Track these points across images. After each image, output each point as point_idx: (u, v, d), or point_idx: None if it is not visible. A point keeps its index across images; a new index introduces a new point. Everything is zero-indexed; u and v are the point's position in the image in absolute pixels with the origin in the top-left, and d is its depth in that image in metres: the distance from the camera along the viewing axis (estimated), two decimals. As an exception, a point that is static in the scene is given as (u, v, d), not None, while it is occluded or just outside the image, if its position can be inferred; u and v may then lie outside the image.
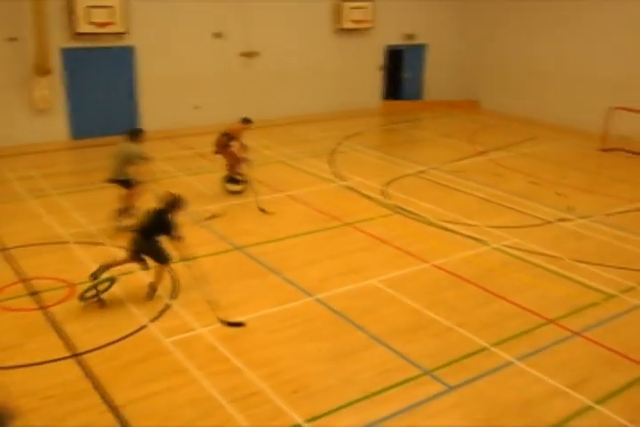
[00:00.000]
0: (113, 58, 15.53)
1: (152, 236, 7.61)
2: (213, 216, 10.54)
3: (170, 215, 7.59)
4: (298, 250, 9.48)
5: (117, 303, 7.72)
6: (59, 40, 14.69)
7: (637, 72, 16.40)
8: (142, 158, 9.70)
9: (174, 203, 7.66)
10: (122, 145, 9.88)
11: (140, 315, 7.45)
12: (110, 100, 15.72)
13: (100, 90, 15.56)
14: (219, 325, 7.27)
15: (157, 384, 6.18)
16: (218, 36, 16.73)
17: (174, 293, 7.98)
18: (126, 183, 9.76)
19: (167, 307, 7.64)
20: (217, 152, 11.71)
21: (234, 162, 11.63)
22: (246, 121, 11.66)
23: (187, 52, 16.43)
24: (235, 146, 11.51)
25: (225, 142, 11.49)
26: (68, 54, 14.92)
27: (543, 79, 18.64)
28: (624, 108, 15.44)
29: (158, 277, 7.87)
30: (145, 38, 15.67)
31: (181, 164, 13.68)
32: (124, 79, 15.81)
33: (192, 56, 16.54)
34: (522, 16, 18.99)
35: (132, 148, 9.75)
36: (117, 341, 6.91)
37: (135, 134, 9.93)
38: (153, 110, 16.28)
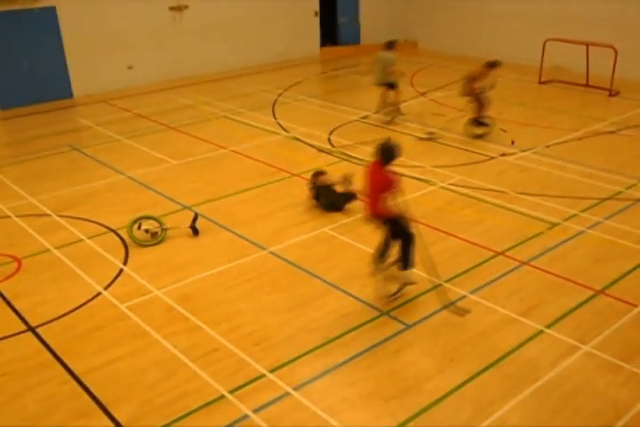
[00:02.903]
0: (34, 21, 14.74)
1: None
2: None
3: None
4: (248, 205, 9.44)
5: (70, 274, 7.61)
6: (-28, 5, 13.90)
7: (570, 4, 16.48)
8: (396, 64, 12.42)
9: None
10: (380, 54, 12.57)
11: (93, 283, 7.37)
12: (37, 66, 15.04)
13: (25, 56, 14.85)
14: (174, 286, 7.26)
15: (118, 350, 6.18)
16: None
17: (125, 258, 7.93)
18: (390, 85, 12.59)
19: (120, 273, 7.58)
20: (464, 94, 11.78)
21: (479, 105, 11.71)
22: (492, 65, 11.53)
23: (113, 9, 15.71)
24: (478, 88, 11.51)
25: (471, 85, 11.52)
26: (-16, 20, 14.15)
27: (478, 15, 18.57)
28: (557, 40, 15.56)
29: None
30: (65, -3, 14.94)
31: (121, 127, 13.29)
32: (49, 43, 15.09)
33: (118, 13, 15.83)
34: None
35: (389, 55, 12.44)
36: (73, 311, 6.85)
37: (390, 45, 12.53)
38: (83, 74, 15.68)
